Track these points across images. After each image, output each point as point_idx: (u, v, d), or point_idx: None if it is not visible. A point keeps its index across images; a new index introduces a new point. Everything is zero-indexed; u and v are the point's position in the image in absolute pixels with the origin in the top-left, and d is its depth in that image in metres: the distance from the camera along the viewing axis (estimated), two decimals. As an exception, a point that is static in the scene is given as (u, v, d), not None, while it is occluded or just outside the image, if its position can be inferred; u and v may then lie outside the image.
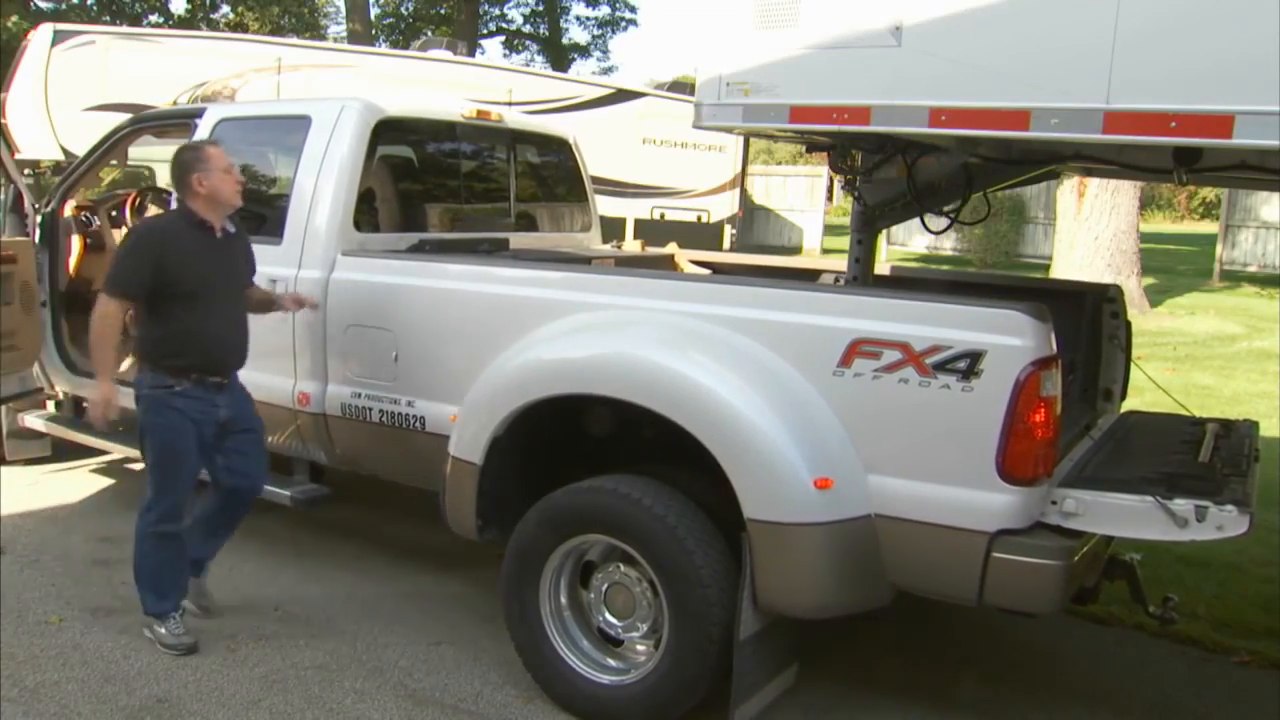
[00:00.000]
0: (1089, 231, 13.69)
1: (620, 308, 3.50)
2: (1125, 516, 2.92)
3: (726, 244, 14.03)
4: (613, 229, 7.05)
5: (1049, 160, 4.02)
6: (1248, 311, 14.41)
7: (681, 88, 14.75)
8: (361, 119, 4.29)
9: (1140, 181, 12.16)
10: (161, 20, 23.45)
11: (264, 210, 4.62)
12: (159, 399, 3.71)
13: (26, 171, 7.05)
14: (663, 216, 13.53)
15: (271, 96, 10.13)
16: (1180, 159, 3.41)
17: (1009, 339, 2.81)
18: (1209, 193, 29.75)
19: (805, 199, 23.61)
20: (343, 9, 25.94)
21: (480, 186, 5.27)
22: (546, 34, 33.29)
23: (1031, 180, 4.66)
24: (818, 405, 3.03)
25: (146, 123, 5.46)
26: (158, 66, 9.78)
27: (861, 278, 4.67)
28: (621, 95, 13.66)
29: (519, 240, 5.00)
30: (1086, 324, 4.27)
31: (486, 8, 31.14)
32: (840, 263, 4.96)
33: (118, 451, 5.44)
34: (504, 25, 33.27)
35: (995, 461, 2.83)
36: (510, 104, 10.94)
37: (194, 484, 3.85)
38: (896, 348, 2.93)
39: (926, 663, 3.96)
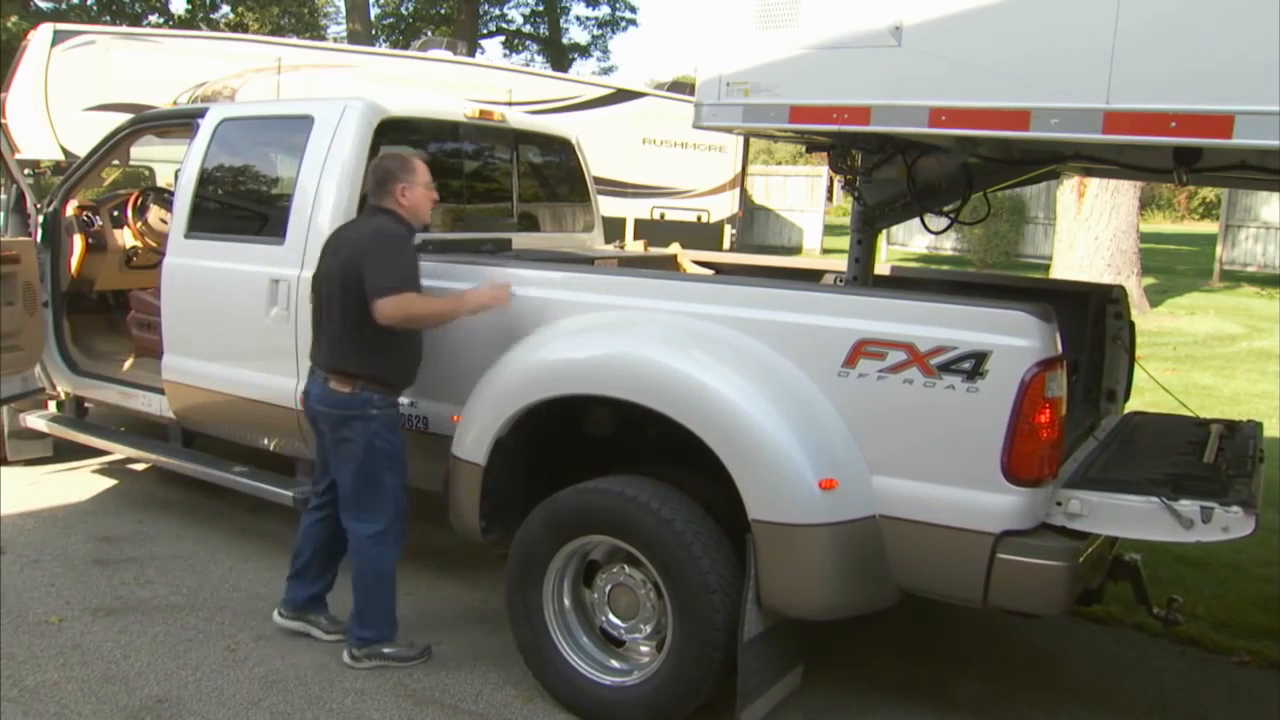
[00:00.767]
0: (1089, 231, 13.69)
1: (624, 308, 3.49)
2: (1130, 517, 2.92)
3: (726, 244, 14.04)
4: (613, 229, 7.05)
5: (1049, 160, 4.02)
6: (1248, 311, 14.41)
7: (681, 88, 14.76)
8: (364, 119, 4.28)
9: (1140, 181, 12.16)
10: (161, 20, 23.49)
11: (266, 210, 4.62)
12: (392, 418, 3.66)
13: (27, 171, 7.03)
14: (663, 216, 13.53)
15: (271, 97, 10.13)
16: (1180, 159, 3.41)
17: (1014, 339, 2.81)
18: (1209, 193, 29.79)
19: (805, 199, 23.62)
20: (343, 9, 25.98)
21: (483, 187, 5.27)
22: (546, 34, 33.29)
23: (1031, 180, 4.66)
24: (822, 406, 3.03)
25: (148, 123, 5.47)
26: (158, 67, 9.77)
27: (862, 278, 4.66)
28: (621, 95, 13.66)
29: (522, 240, 5.00)
30: (1090, 325, 4.27)
31: (486, 8, 31.13)
32: (841, 263, 4.96)
33: (119, 452, 5.45)
34: (504, 25, 33.29)
35: (1000, 462, 2.83)
36: (510, 104, 10.93)
37: None
38: (901, 348, 2.92)
39: (926, 663, 3.96)
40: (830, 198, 23.92)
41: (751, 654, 3.09)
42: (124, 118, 5.77)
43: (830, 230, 23.40)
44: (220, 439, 4.94)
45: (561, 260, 4.57)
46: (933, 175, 4.07)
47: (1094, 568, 3.27)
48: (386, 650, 3.73)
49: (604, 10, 33.61)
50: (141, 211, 6.25)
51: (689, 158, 13.80)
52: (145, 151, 7.75)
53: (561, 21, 33.56)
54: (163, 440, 5.24)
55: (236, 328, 4.53)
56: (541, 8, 32.94)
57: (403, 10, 31.39)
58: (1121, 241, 13.68)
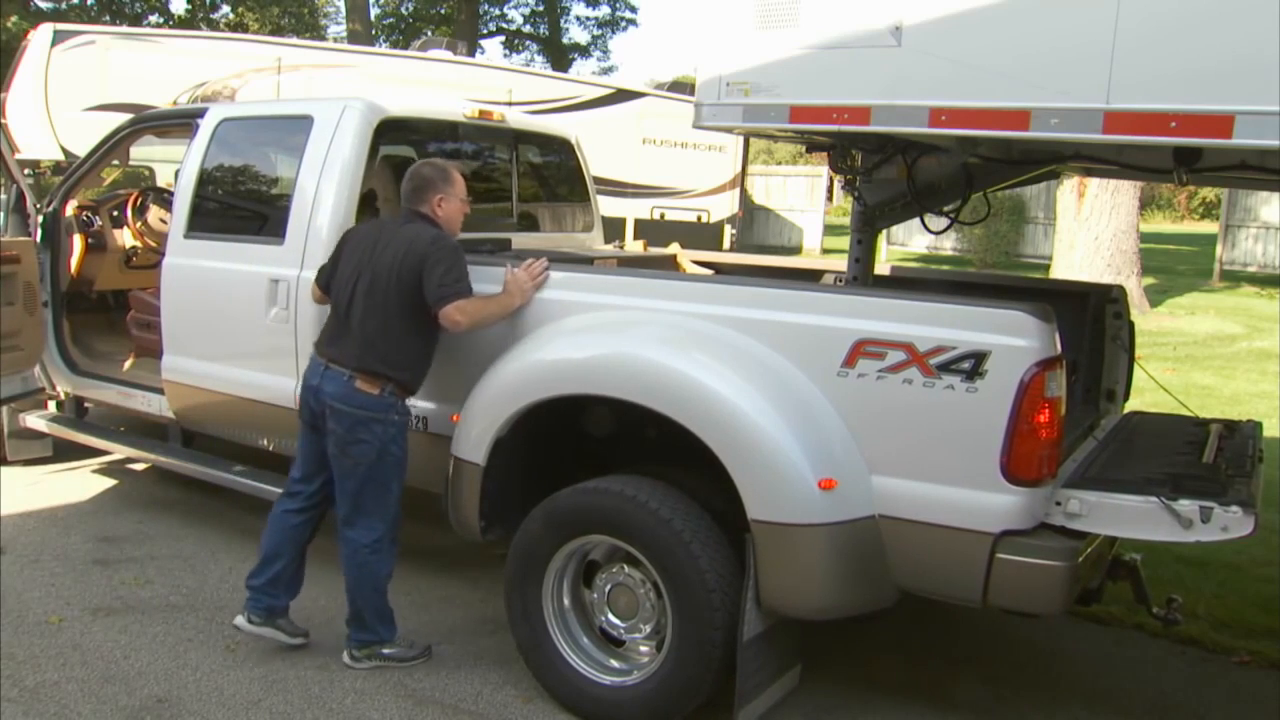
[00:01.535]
0: (1089, 231, 13.70)
1: (623, 308, 3.49)
2: (1130, 517, 2.92)
3: (726, 244, 14.05)
4: (612, 229, 7.05)
5: (1049, 160, 4.02)
6: (1248, 311, 14.41)
7: (681, 88, 14.77)
8: (364, 119, 4.28)
9: (1140, 181, 12.16)
10: (161, 20, 23.51)
11: (266, 210, 4.62)
12: (406, 425, 3.68)
13: (27, 171, 7.04)
14: (663, 216, 13.54)
15: (271, 96, 10.14)
16: (1180, 159, 3.41)
17: (1014, 339, 2.81)
18: (1209, 193, 29.77)
19: (805, 199, 23.62)
20: (343, 9, 25.97)
21: (482, 186, 5.26)
22: (546, 34, 33.30)
23: (1031, 180, 4.66)
24: (821, 406, 3.03)
25: (148, 123, 5.47)
26: (158, 67, 9.78)
27: (861, 278, 4.66)
28: (621, 95, 13.67)
29: (521, 240, 5.00)
30: (1090, 324, 4.27)
31: (486, 8, 31.15)
32: (840, 263, 4.96)
33: (119, 452, 5.45)
34: (504, 25, 33.30)
35: (999, 462, 2.83)
36: (510, 104, 10.94)
37: None
38: (901, 348, 2.92)
39: (926, 663, 3.96)
40: (830, 198, 23.93)
41: (751, 654, 3.09)
42: (124, 118, 5.77)
43: (830, 230, 23.40)
44: (220, 439, 4.94)
45: (561, 260, 4.57)
46: (933, 175, 4.07)
47: (1093, 568, 3.27)
48: (386, 651, 3.73)
49: (604, 10, 33.66)
50: (141, 211, 6.25)
51: (689, 158, 13.80)
52: (145, 151, 7.76)
53: (561, 21, 33.59)
54: (162, 440, 5.24)
55: (236, 328, 4.53)
56: (541, 8, 32.95)
57: (403, 10, 31.40)
58: (1121, 241, 13.69)
